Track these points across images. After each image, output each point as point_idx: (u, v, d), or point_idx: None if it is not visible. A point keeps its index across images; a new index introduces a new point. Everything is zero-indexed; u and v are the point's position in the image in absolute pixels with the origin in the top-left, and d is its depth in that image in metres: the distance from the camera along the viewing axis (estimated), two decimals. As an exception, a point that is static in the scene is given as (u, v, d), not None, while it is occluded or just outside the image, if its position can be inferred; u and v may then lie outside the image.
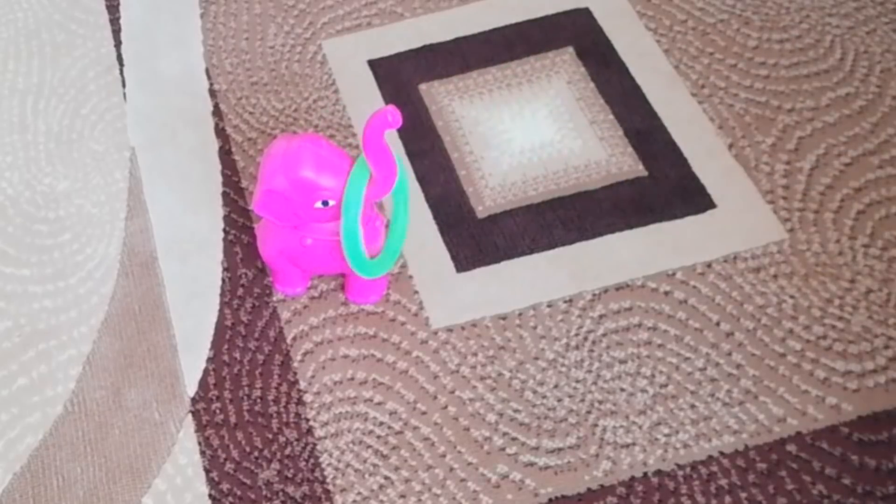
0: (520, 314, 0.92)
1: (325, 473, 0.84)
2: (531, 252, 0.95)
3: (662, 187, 0.99)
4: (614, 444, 0.84)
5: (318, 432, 0.87)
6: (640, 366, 0.88)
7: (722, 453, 0.83)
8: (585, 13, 1.13)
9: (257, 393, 0.89)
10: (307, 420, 0.87)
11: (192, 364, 0.91)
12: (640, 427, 0.85)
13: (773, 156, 1.00)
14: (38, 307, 0.96)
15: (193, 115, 1.08)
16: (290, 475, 0.85)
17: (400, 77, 1.09)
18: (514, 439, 0.85)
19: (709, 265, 0.93)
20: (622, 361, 0.88)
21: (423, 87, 1.08)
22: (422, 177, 1.01)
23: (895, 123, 1.02)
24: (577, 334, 0.90)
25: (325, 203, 0.82)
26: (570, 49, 1.10)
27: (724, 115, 1.03)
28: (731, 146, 1.01)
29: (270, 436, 0.87)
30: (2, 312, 0.96)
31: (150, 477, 0.86)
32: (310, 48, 1.13)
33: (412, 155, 1.03)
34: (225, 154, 1.05)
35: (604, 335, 0.90)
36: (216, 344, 0.92)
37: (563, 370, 0.88)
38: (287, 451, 0.86)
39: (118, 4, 1.19)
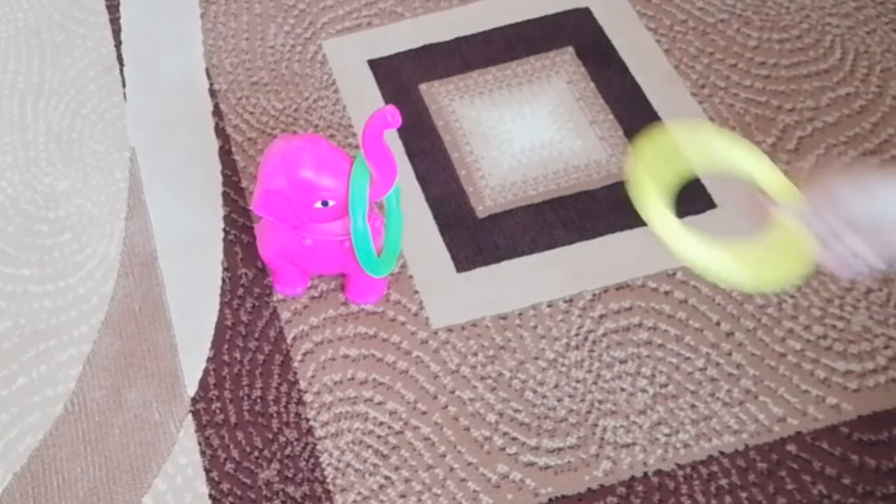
0: (520, 314, 0.92)
1: (326, 473, 0.84)
2: (531, 252, 0.95)
3: (662, 187, 0.99)
4: (614, 444, 0.84)
5: (318, 432, 0.86)
6: (641, 366, 0.88)
7: (722, 453, 0.83)
8: (585, 13, 1.13)
9: (257, 393, 0.89)
10: (307, 420, 0.87)
11: (192, 364, 0.91)
12: (641, 427, 0.85)
13: (774, 155, 1.00)
14: (38, 307, 0.96)
15: (193, 115, 1.08)
16: (290, 475, 0.85)
17: (400, 77, 1.09)
18: (514, 439, 0.85)
19: (709, 265, 0.93)
20: (622, 361, 0.88)
21: (423, 87, 1.08)
22: (422, 177, 1.01)
23: (895, 123, 1.02)
24: (577, 334, 0.90)
25: (324, 203, 0.82)
26: (570, 49, 1.10)
27: (724, 115, 1.03)
28: (731, 146, 1.01)
29: (270, 436, 0.87)
30: (2, 312, 0.95)
31: (150, 477, 0.86)
32: (310, 48, 1.13)
33: (412, 155, 1.03)
34: (225, 154, 1.05)
35: (604, 335, 0.90)
36: (216, 344, 0.92)
37: (563, 370, 0.88)
38: (287, 451, 0.86)
39: (118, 4, 1.19)
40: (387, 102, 1.07)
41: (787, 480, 0.82)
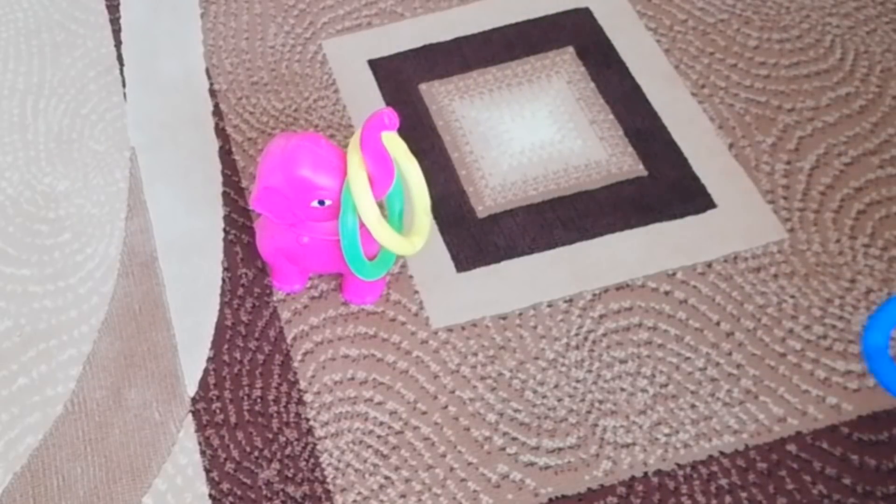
0: (520, 314, 0.92)
1: (326, 473, 0.84)
2: (531, 252, 0.95)
3: (662, 187, 0.99)
4: (614, 444, 0.84)
5: (319, 432, 0.87)
6: (641, 365, 0.88)
7: (722, 453, 0.83)
8: (585, 13, 1.13)
9: (257, 393, 0.89)
10: (307, 420, 0.87)
11: (192, 364, 0.91)
12: (641, 427, 0.85)
13: (774, 155, 1.00)
14: (38, 307, 0.96)
15: (193, 115, 1.08)
16: (290, 475, 0.85)
17: (400, 77, 1.09)
18: (514, 439, 0.85)
19: (709, 265, 0.93)
20: (622, 361, 0.88)
21: (423, 87, 1.08)
22: (422, 177, 1.01)
23: (895, 123, 1.02)
24: (577, 334, 0.90)
25: (321, 202, 0.82)
26: (570, 49, 1.10)
27: (724, 114, 1.03)
28: (731, 146, 1.01)
29: (270, 436, 0.87)
30: (2, 312, 0.96)
31: (150, 477, 0.86)
32: (310, 48, 1.13)
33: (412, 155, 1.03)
34: (225, 154, 1.05)
35: (604, 335, 0.90)
36: (216, 344, 0.92)
37: (563, 370, 0.88)
38: (287, 451, 0.86)
39: (118, 4, 1.19)
40: (387, 102, 1.07)
41: (787, 480, 0.82)
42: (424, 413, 0.87)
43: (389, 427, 0.86)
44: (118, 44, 1.15)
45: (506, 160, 1.02)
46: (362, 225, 0.82)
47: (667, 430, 0.85)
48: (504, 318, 0.92)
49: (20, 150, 1.07)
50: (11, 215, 1.02)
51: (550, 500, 0.82)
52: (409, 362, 0.90)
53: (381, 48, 1.12)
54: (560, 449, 0.84)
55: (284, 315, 0.93)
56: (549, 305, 0.92)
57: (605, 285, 0.93)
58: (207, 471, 0.85)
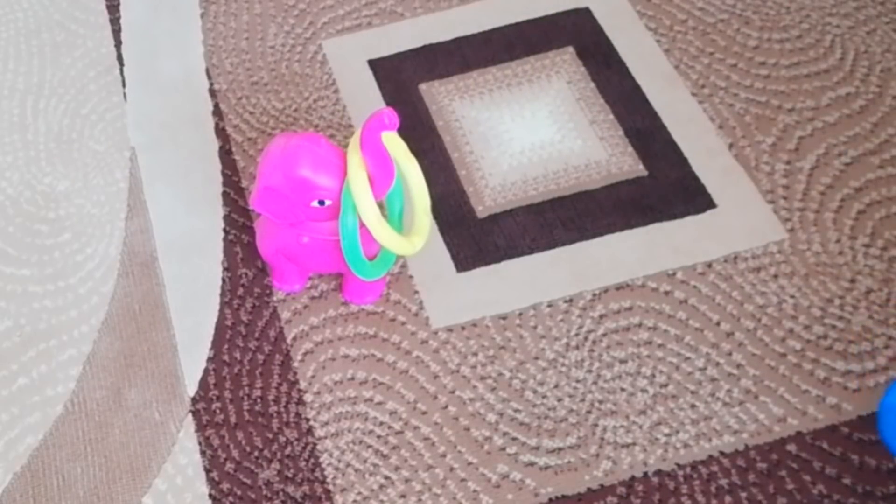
0: (520, 314, 0.92)
1: (326, 473, 0.84)
2: (531, 252, 0.95)
3: (662, 187, 0.99)
4: (614, 444, 0.84)
5: (319, 432, 0.87)
6: (641, 365, 0.88)
7: (722, 453, 0.83)
8: (585, 13, 1.13)
9: (257, 393, 0.89)
10: (307, 420, 0.87)
11: (192, 364, 0.91)
12: (641, 427, 0.85)
13: (774, 155, 1.00)
14: (38, 307, 0.96)
15: (193, 115, 1.08)
16: (290, 475, 0.85)
17: (400, 77, 1.09)
18: (514, 439, 0.85)
19: (709, 265, 0.93)
20: (622, 361, 0.88)
21: (423, 87, 1.08)
22: (422, 177, 1.01)
23: (895, 123, 1.02)
24: (577, 334, 0.90)
25: (321, 202, 0.82)
26: (570, 49, 1.10)
27: (724, 114, 1.03)
28: (731, 146, 1.01)
29: (270, 436, 0.87)
30: (2, 312, 0.96)
31: (150, 477, 0.86)
32: (310, 48, 1.13)
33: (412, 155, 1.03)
34: (225, 154, 1.05)
35: (604, 335, 0.90)
36: (216, 344, 0.92)
37: (563, 370, 0.88)
38: (287, 451, 0.86)
39: (118, 4, 1.19)
40: (387, 102, 1.07)
41: (787, 480, 0.82)
42: (424, 413, 0.87)
43: (389, 427, 0.86)
44: (118, 44, 1.15)
45: (506, 160, 1.02)
46: (362, 225, 0.82)
47: (667, 430, 0.85)
48: (504, 318, 0.92)
49: (20, 150, 1.07)
50: (11, 215, 1.02)
51: (550, 500, 0.82)
52: (409, 362, 0.90)
53: (381, 48, 1.12)
54: (560, 449, 0.84)
55: (284, 315, 0.93)
56: (549, 305, 0.92)
57: (605, 285, 0.93)
58: (207, 471, 0.85)
